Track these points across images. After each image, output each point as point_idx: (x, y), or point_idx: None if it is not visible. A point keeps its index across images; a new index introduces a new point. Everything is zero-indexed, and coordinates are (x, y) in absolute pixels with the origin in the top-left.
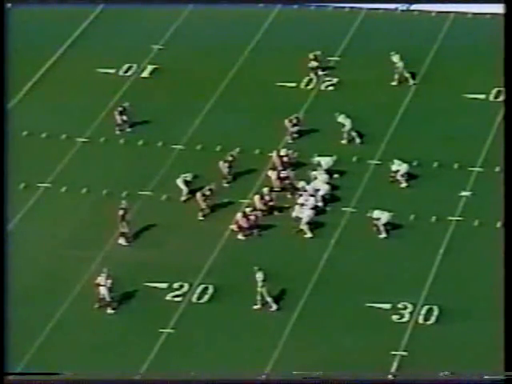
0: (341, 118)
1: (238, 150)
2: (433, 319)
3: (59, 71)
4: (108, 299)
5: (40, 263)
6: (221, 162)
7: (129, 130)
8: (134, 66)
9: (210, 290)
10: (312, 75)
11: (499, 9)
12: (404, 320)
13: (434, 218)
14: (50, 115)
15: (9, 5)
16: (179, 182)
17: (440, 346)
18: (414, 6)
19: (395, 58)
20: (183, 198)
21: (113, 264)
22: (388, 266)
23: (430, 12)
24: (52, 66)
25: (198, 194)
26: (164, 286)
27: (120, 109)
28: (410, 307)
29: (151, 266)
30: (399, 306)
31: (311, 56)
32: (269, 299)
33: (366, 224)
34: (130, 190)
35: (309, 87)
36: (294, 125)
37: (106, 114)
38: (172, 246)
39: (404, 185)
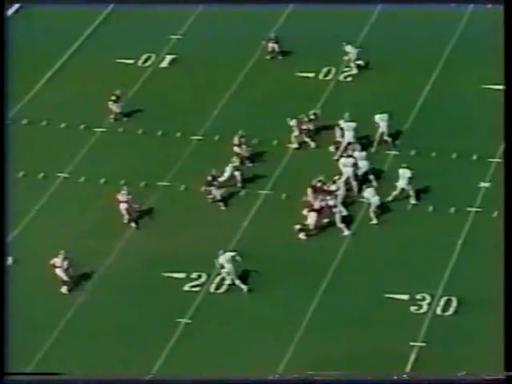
0: (377, 118)
1: (256, 140)
2: (451, 310)
3: (79, 61)
4: (65, 279)
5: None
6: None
7: (143, 119)
8: (153, 56)
9: (227, 281)
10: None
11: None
12: (422, 311)
13: (452, 209)
14: (69, 105)
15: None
16: (229, 171)
17: (458, 338)
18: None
19: (348, 48)
20: (239, 185)
21: (131, 254)
22: (406, 257)
23: (448, 5)
24: (71, 56)
25: (209, 187)
26: (182, 276)
27: (113, 98)
28: (428, 298)
29: (169, 256)
30: (417, 297)
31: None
32: (237, 281)
33: (386, 217)
34: (148, 180)
35: (327, 78)
36: (310, 120)
37: (124, 105)
38: (190, 236)
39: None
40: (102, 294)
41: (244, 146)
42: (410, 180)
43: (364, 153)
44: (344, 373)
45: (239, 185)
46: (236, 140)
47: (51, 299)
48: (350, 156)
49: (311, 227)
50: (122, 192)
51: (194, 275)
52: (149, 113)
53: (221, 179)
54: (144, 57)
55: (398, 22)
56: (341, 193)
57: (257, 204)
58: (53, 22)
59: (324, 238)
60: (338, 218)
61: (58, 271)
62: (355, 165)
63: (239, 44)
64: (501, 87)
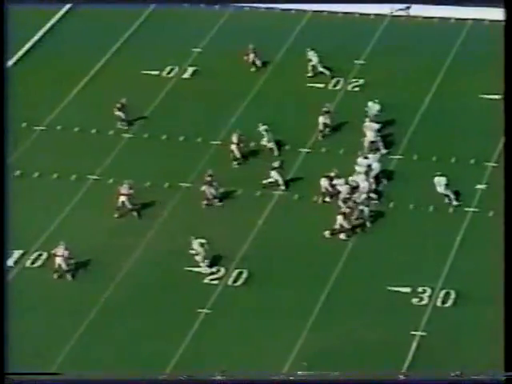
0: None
1: (272, 144)
2: (450, 302)
3: (109, 71)
4: (65, 268)
5: (87, 252)
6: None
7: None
8: (176, 67)
9: (245, 275)
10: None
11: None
12: (423, 303)
13: (451, 209)
14: (99, 113)
15: (68, 5)
16: (274, 175)
17: (456, 327)
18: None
19: (310, 54)
20: (282, 188)
21: (155, 251)
22: (409, 253)
23: (449, 19)
24: (104, 65)
25: (204, 186)
26: (201, 269)
27: (118, 105)
28: (428, 291)
29: (188, 253)
30: (419, 289)
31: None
32: (202, 264)
33: (390, 215)
34: (171, 181)
35: (336, 88)
36: (326, 112)
37: (150, 113)
38: (209, 234)
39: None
40: (129, 286)
41: (241, 145)
42: (447, 186)
43: (378, 155)
44: (344, 373)
45: (282, 186)
46: (234, 138)
47: (82, 292)
48: (366, 158)
49: (345, 226)
50: (124, 186)
51: (213, 269)
52: (171, 120)
53: (265, 181)
54: (168, 69)
55: (403, 34)
56: (363, 190)
57: (271, 204)
58: (85, 36)
59: (332, 237)
60: (366, 214)
61: (59, 260)
62: (369, 166)
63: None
64: (497, 97)
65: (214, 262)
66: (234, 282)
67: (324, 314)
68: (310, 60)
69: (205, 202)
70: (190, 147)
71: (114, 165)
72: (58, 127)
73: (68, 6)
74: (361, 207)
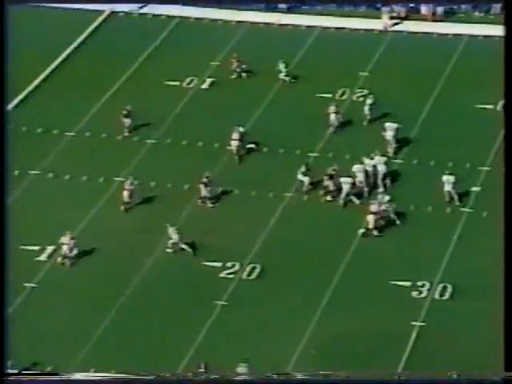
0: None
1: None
2: (447, 295)
3: (135, 81)
4: (69, 255)
5: (111, 247)
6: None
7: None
8: (196, 79)
9: (258, 269)
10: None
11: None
12: (422, 296)
13: (449, 209)
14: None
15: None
16: (300, 176)
17: (453, 319)
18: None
19: (280, 65)
20: (305, 189)
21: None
22: (409, 250)
23: (447, 34)
24: (131, 75)
25: (201, 185)
26: (219, 265)
27: (124, 112)
28: (427, 285)
29: (208, 248)
30: (418, 283)
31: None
32: (184, 246)
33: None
34: (191, 183)
35: (343, 98)
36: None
37: (172, 121)
38: (225, 231)
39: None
40: (151, 279)
41: (240, 143)
42: (454, 185)
43: (385, 158)
44: (345, 372)
45: (305, 189)
46: (236, 135)
47: (108, 282)
48: (371, 158)
49: (371, 227)
50: (128, 182)
51: (229, 264)
52: (191, 127)
53: (305, 188)
54: (188, 80)
55: (404, 48)
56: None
57: (282, 204)
58: (117, 45)
59: (339, 234)
60: (391, 212)
61: (65, 247)
62: (374, 167)
63: (262, 69)
64: (491, 106)
65: (230, 257)
66: (248, 275)
67: (331, 305)
68: (280, 70)
69: (199, 201)
70: (207, 152)
71: (140, 168)
72: (87, 134)
73: (100, 19)
74: (384, 207)
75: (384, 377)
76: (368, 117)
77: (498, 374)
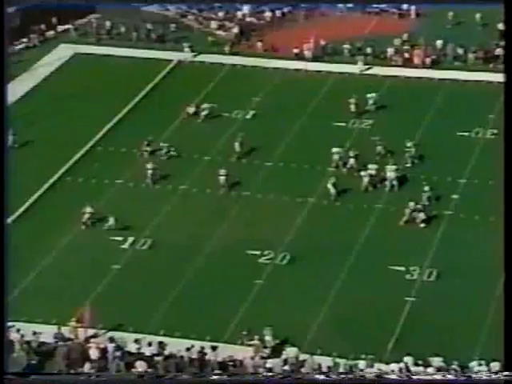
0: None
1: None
2: (433, 277)
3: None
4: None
5: (174, 238)
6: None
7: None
8: (242, 111)
9: (288, 257)
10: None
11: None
12: (413, 278)
13: (435, 212)
14: (185, 141)
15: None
16: (329, 186)
17: (439, 296)
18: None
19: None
20: (332, 198)
21: (223, 238)
22: (404, 241)
23: (432, 79)
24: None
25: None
26: (257, 252)
27: (146, 142)
28: (418, 269)
29: (249, 240)
30: (411, 268)
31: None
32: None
33: (391, 215)
34: (233, 187)
35: (354, 126)
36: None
37: (221, 144)
38: (262, 226)
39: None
40: (206, 264)
41: (243, 147)
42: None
43: (395, 166)
44: (347, 374)
45: (333, 191)
46: (239, 139)
47: (169, 265)
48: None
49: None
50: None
51: (266, 252)
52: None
53: (333, 195)
54: (235, 112)
55: (399, 91)
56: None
57: (306, 208)
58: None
59: (347, 228)
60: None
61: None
62: (377, 170)
63: (293, 104)
64: (467, 134)
65: (267, 247)
66: (281, 261)
67: (344, 285)
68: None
69: (223, 191)
70: (248, 166)
71: (183, 177)
72: (122, 149)
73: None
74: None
75: (384, 376)
76: None
77: (497, 374)
